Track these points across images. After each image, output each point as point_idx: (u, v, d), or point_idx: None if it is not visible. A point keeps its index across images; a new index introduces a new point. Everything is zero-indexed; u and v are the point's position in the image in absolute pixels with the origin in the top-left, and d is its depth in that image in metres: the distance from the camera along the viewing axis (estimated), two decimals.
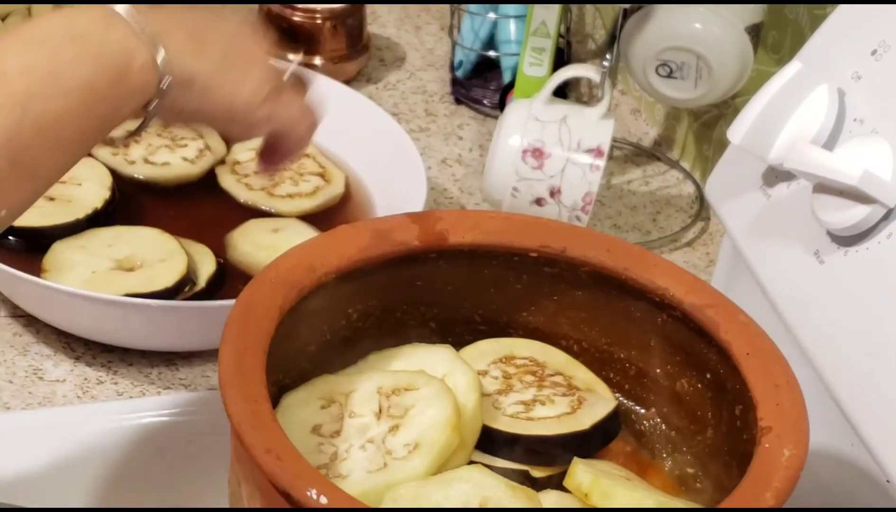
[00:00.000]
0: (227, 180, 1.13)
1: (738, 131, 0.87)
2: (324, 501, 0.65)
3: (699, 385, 0.81)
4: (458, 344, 0.84)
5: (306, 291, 0.77)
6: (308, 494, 0.65)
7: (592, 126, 1.09)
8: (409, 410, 0.76)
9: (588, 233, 0.83)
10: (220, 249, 1.05)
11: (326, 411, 0.77)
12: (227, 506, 0.75)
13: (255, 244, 1.05)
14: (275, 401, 0.77)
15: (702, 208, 1.21)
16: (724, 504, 0.69)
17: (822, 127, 0.84)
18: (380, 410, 0.77)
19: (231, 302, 0.82)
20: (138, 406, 0.95)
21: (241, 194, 1.12)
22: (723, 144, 1.18)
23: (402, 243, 0.81)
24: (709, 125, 1.23)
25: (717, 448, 0.80)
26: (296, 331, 0.78)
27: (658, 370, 0.83)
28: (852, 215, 0.80)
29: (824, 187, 0.82)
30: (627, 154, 1.29)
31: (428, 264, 0.82)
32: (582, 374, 0.83)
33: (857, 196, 0.80)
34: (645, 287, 0.81)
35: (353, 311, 0.82)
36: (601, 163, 1.08)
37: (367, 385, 0.78)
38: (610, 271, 0.82)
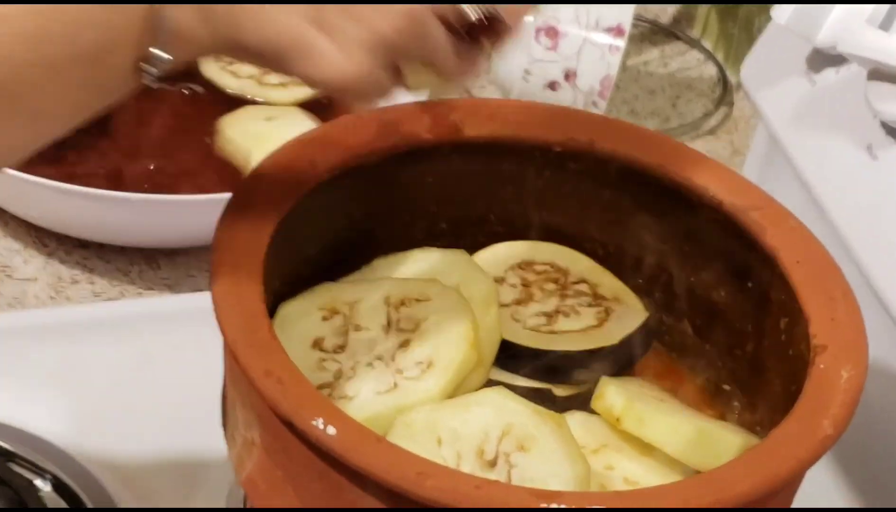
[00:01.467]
0: (210, 69, 1.04)
1: (783, 10, 0.78)
2: (332, 431, 0.58)
3: (739, 295, 0.73)
4: (472, 247, 0.76)
5: (305, 190, 0.69)
6: (314, 423, 0.58)
7: (611, 2, 1.00)
8: (420, 323, 0.69)
9: (618, 124, 0.75)
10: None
11: (329, 323, 0.69)
12: (220, 424, 0.68)
13: (244, 132, 0.95)
14: (270, 311, 0.69)
15: (725, 92, 1.13)
16: (777, 433, 0.61)
17: (877, 7, 0.76)
18: (388, 323, 0.69)
19: (218, 196, 0.74)
20: (117, 309, 0.87)
21: (229, 83, 1.03)
22: (750, 22, 1.10)
23: (412, 136, 0.73)
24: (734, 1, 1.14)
25: (757, 364, 0.72)
26: (293, 233, 0.70)
27: (693, 278, 0.75)
28: None
29: (881, 74, 0.74)
30: (644, 32, 1.20)
31: (440, 159, 0.74)
32: (608, 281, 0.75)
33: None
34: (681, 186, 0.73)
35: (357, 210, 0.74)
36: (622, 43, 0.99)
37: (373, 294, 0.70)
38: (642, 168, 0.74)
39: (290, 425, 0.59)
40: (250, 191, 0.67)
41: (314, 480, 0.60)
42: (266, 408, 0.60)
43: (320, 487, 0.60)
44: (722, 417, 0.72)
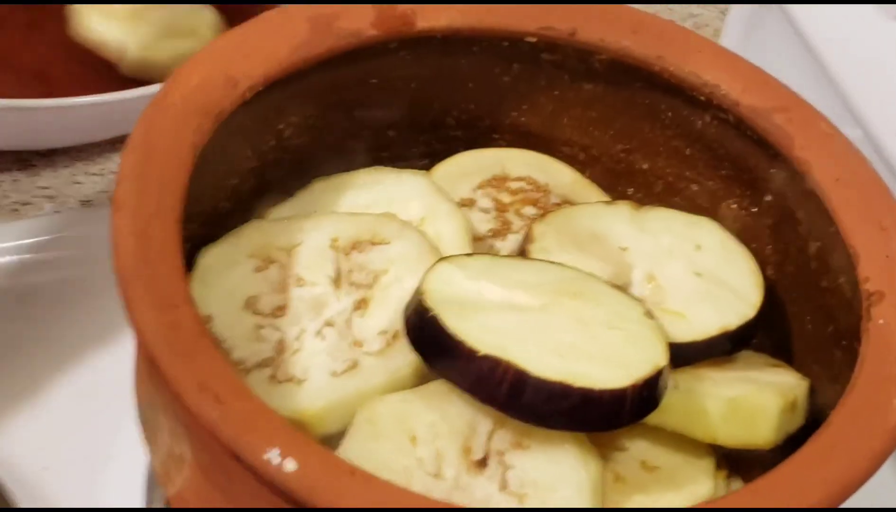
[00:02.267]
0: None
1: None
2: (290, 467, 0.44)
3: (754, 209, 0.61)
4: (428, 157, 0.63)
5: (225, 116, 0.54)
6: (267, 457, 0.45)
7: None
8: (379, 277, 0.55)
9: (606, 9, 0.60)
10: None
11: (263, 276, 0.56)
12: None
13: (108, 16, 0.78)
14: (186, 261, 0.55)
15: None
16: (838, 419, 0.49)
17: None
18: (337, 276, 0.56)
19: (109, 97, 0.59)
20: None
21: None
22: None
23: (353, 34, 0.58)
24: None
25: (775, 296, 0.60)
26: (209, 162, 0.55)
27: (695, 187, 0.62)
28: None
29: None
30: None
31: (386, 57, 0.59)
32: (596, 199, 0.62)
33: None
34: (684, 82, 0.59)
35: (286, 126, 0.60)
36: None
37: (315, 236, 0.57)
38: (636, 61, 0.60)
39: (235, 457, 0.45)
40: (156, 124, 0.53)
41: None
42: (201, 430, 0.47)
43: None
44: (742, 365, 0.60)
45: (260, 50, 0.56)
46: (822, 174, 0.56)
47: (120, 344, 0.55)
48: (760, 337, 0.59)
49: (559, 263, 0.55)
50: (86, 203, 0.74)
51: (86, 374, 0.64)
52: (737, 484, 0.55)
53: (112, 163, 0.76)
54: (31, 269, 0.69)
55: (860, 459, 0.48)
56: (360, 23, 0.58)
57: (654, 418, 0.53)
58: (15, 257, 0.69)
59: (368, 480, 0.45)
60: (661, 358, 0.51)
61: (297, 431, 0.46)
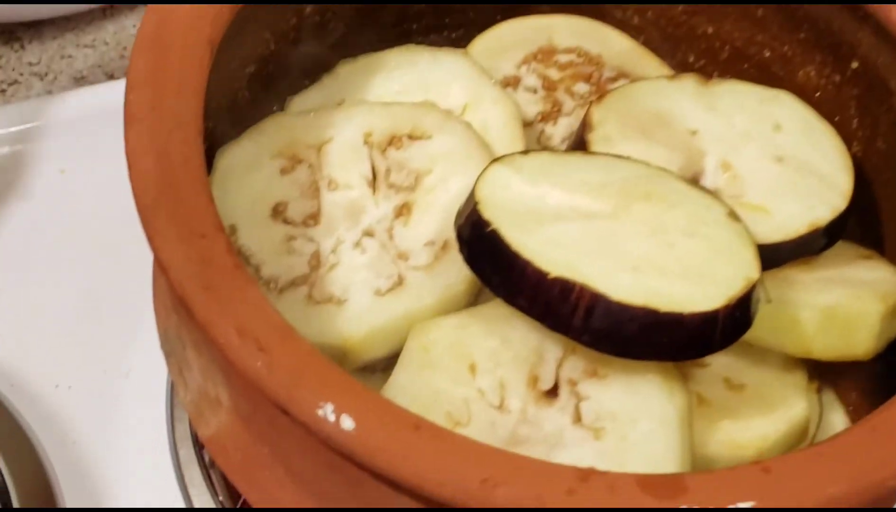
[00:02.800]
0: None
1: None
2: (348, 424, 0.39)
3: (837, 78, 0.54)
4: (463, 27, 0.56)
5: (242, 2, 0.47)
6: (321, 412, 0.39)
7: None
8: (422, 178, 0.49)
9: None
10: None
11: (290, 178, 0.50)
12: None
13: None
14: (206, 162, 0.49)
15: None
16: None
17: None
18: (374, 176, 0.49)
19: None
20: None
21: None
22: None
23: None
24: None
25: (862, 176, 0.54)
26: (225, 50, 0.49)
27: (768, 53, 0.56)
28: None
29: None
30: None
31: None
32: (656, 70, 0.55)
33: None
34: None
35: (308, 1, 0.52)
36: None
37: (346, 130, 0.50)
38: None
39: (284, 412, 0.40)
40: (168, 18, 0.46)
41: (321, 469, 0.42)
42: (244, 382, 0.41)
43: (330, 479, 0.42)
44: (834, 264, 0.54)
45: None
46: None
47: (133, 243, 0.48)
48: (856, 230, 0.53)
49: (625, 158, 0.49)
50: (79, 80, 0.67)
51: (95, 281, 0.58)
52: (829, 397, 0.50)
53: (105, 32, 0.68)
54: (26, 161, 0.62)
55: None
56: None
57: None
58: (7, 149, 0.62)
59: (435, 434, 0.39)
60: (752, 270, 0.45)
61: (353, 381, 0.40)
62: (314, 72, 0.53)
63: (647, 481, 0.39)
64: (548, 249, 0.44)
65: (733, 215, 0.47)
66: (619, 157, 0.49)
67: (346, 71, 0.53)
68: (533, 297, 0.44)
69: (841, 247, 0.52)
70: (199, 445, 0.55)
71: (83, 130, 0.61)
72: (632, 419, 0.44)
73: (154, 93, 0.44)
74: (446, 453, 0.39)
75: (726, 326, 0.44)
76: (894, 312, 0.48)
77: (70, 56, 0.68)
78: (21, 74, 0.67)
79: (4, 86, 0.67)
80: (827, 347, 0.48)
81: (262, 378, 0.39)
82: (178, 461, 0.55)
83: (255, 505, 0.46)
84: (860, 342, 0.48)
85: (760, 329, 0.47)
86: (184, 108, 0.44)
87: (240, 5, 0.47)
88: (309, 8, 0.53)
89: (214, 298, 0.41)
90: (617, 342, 0.43)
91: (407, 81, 0.52)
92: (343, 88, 0.53)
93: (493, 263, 0.45)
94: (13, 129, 0.62)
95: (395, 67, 0.53)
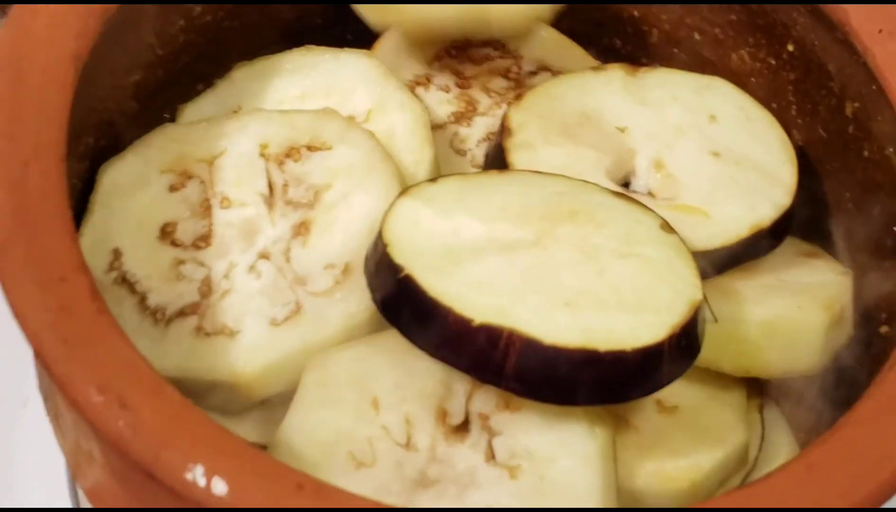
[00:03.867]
0: None
1: None
2: (220, 489, 0.35)
3: (772, 61, 0.50)
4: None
5: (114, 7, 0.43)
6: (189, 476, 0.35)
7: None
8: (321, 193, 0.45)
9: None
10: None
11: (180, 196, 0.45)
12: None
13: None
14: (87, 180, 0.45)
15: None
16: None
17: None
18: (271, 192, 0.45)
19: None
20: None
21: None
22: None
23: None
24: None
25: (805, 165, 0.50)
26: (104, 60, 0.45)
27: (698, 36, 0.51)
28: None
29: None
30: None
31: None
32: (579, 62, 0.51)
33: None
34: None
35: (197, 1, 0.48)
36: None
37: (240, 141, 0.46)
38: None
39: (150, 476, 0.36)
40: (24, 36, 0.41)
41: None
42: (108, 445, 0.37)
43: None
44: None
45: None
46: (862, 22, 0.46)
47: None
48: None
49: (544, 174, 0.45)
50: None
51: None
52: (773, 414, 0.46)
53: None
54: None
55: None
56: None
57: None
58: None
59: (320, 494, 0.36)
60: (694, 290, 0.41)
61: (230, 438, 0.36)
62: (207, 77, 0.49)
63: None
64: (469, 292, 0.40)
65: (666, 227, 0.43)
66: (538, 173, 0.45)
67: (242, 75, 0.49)
68: (458, 347, 0.39)
69: (783, 244, 0.48)
70: None
71: None
72: (550, 457, 0.40)
73: (9, 119, 0.40)
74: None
75: (673, 358, 0.40)
76: (840, 320, 0.44)
77: None
78: None
79: None
80: (768, 363, 0.44)
81: (126, 440, 0.36)
82: (76, 493, 0.52)
83: None
84: (804, 357, 0.44)
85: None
86: (43, 136, 0.40)
87: (110, 12, 0.43)
88: (199, 8, 0.48)
89: (73, 353, 0.37)
90: (554, 390, 0.39)
91: (307, 85, 0.48)
92: (239, 94, 0.49)
93: (409, 313, 0.40)
94: None
95: (295, 70, 0.49)
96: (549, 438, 0.41)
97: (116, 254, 0.44)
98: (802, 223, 0.49)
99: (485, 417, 0.41)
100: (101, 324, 0.37)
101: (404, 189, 0.43)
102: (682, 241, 0.42)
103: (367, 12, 0.49)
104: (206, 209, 0.45)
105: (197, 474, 0.35)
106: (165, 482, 0.35)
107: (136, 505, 0.40)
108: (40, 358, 0.37)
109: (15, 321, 0.37)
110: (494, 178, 0.44)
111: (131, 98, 0.48)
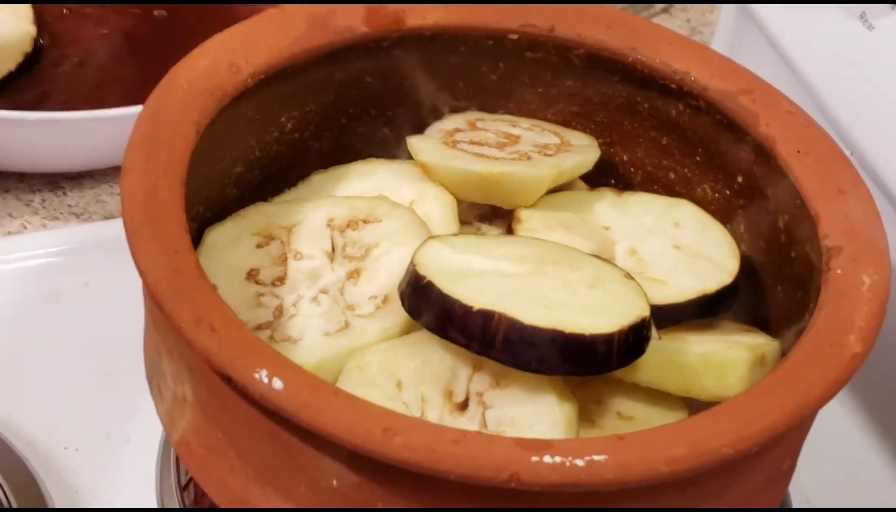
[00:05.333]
0: None
1: None
2: (278, 385, 0.48)
3: (727, 191, 0.64)
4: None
5: (228, 99, 0.59)
6: (256, 376, 0.48)
7: None
8: (371, 250, 0.59)
9: (582, 7, 0.65)
10: None
11: (264, 251, 0.60)
12: (144, 376, 0.59)
13: None
14: (195, 239, 0.60)
15: None
16: (797, 353, 0.53)
17: None
18: (333, 250, 0.60)
19: (125, 111, 0.65)
20: (20, 244, 0.76)
21: None
22: None
23: (347, 30, 0.63)
24: None
25: (751, 271, 0.64)
26: (216, 149, 0.60)
27: (672, 175, 0.66)
28: None
29: None
30: None
31: (379, 55, 0.64)
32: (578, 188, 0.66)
33: None
34: (657, 71, 0.64)
35: (288, 119, 0.64)
36: None
37: (313, 216, 0.61)
38: (611, 53, 0.64)
39: (228, 380, 0.49)
40: (164, 103, 0.57)
41: (260, 441, 0.51)
42: (198, 360, 0.51)
43: (268, 450, 0.51)
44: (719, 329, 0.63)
45: (261, 41, 0.61)
46: (785, 147, 0.60)
47: (136, 332, 0.60)
48: (739, 310, 0.63)
49: (539, 239, 0.59)
50: (109, 219, 0.79)
51: (105, 361, 0.69)
52: None
53: None
54: (57, 271, 0.74)
55: (815, 387, 0.51)
56: (353, 20, 0.63)
57: (630, 375, 0.57)
58: (43, 261, 0.74)
59: (349, 398, 0.49)
60: (643, 310, 0.54)
61: (284, 357, 0.50)
62: (293, 182, 0.64)
63: (521, 441, 0.48)
64: (473, 293, 0.54)
65: (629, 276, 0.57)
66: (536, 238, 0.59)
67: (319, 179, 0.64)
68: (461, 327, 0.53)
69: (731, 324, 0.62)
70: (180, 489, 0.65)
71: (108, 253, 0.73)
72: (527, 423, 0.53)
73: (147, 153, 0.55)
74: (356, 410, 0.48)
75: (621, 348, 0.53)
76: (762, 361, 0.57)
77: (104, 201, 0.80)
78: (61, 213, 0.79)
79: (46, 221, 0.79)
80: (703, 388, 0.57)
81: (212, 352, 0.49)
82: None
83: (214, 498, 0.55)
84: (732, 385, 0.57)
85: (648, 371, 0.57)
86: (170, 165, 0.55)
87: (224, 103, 0.59)
88: (290, 124, 0.64)
89: (181, 296, 0.51)
90: (530, 360, 0.53)
91: (367, 185, 0.63)
92: (315, 192, 0.64)
93: (427, 306, 0.54)
94: (51, 249, 0.74)
95: (358, 176, 0.64)
96: (528, 409, 0.54)
97: (213, 288, 0.58)
98: (745, 312, 0.63)
99: (480, 395, 0.54)
100: (200, 281, 0.52)
101: (432, 236, 0.58)
102: (640, 286, 0.56)
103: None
104: (283, 260, 0.60)
105: (262, 375, 0.48)
106: (239, 382, 0.49)
107: (215, 432, 0.53)
108: (156, 301, 0.51)
109: (140, 279, 0.52)
110: (502, 237, 0.59)
111: (234, 186, 0.63)
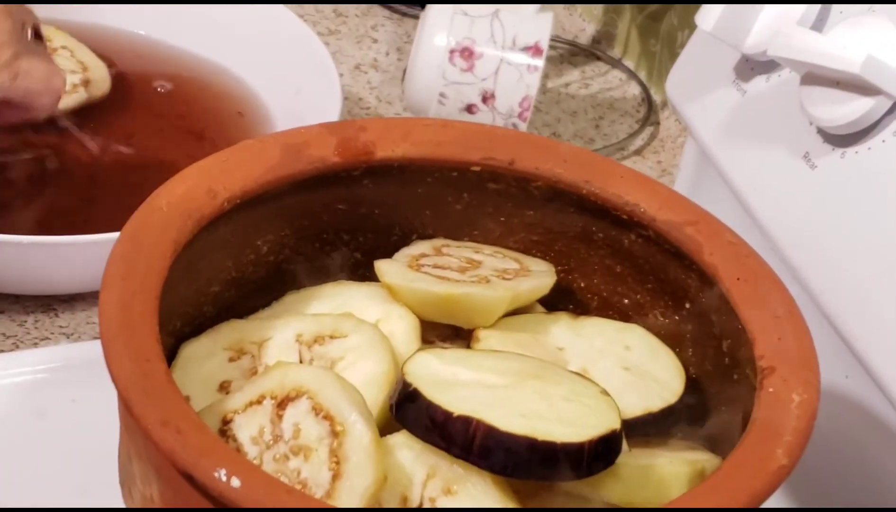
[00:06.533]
0: None
1: (707, 16, 0.74)
2: (236, 483, 0.52)
3: (676, 317, 0.68)
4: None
5: (205, 221, 0.63)
6: (216, 474, 0.52)
7: (528, 20, 0.95)
8: (336, 362, 0.63)
9: (539, 141, 0.70)
10: None
11: (236, 365, 0.64)
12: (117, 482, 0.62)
13: None
14: (172, 353, 0.64)
15: (650, 112, 1.08)
16: (727, 465, 0.56)
17: (808, 8, 0.72)
18: (300, 362, 0.64)
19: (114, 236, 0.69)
20: (12, 361, 0.80)
21: None
22: (672, 38, 1.06)
23: (319, 160, 0.67)
24: (655, 18, 1.10)
25: (699, 390, 0.67)
26: (194, 269, 0.65)
27: (626, 301, 0.70)
28: (851, 110, 0.68)
29: (815, 78, 0.69)
30: (563, 53, 1.15)
31: (350, 184, 0.69)
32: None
33: (856, 87, 0.68)
34: (609, 203, 0.68)
35: (263, 242, 0.68)
36: (540, 63, 0.95)
37: (283, 332, 0.65)
38: (567, 186, 0.69)
39: (190, 478, 0.53)
40: (143, 224, 0.62)
41: None
42: (164, 460, 0.54)
43: None
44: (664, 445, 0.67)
45: (238, 169, 0.65)
46: (727, 275, 0.64)
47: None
48: (688, 428, 0.66)
49: (522, 355, 0.63)
50: (98, 338, 0.82)
51: (89, 471, 0.72)
52: None
53: None
54: (45, 387, 0.78)
55: (742, 495, 0.55)
56: (326, 150, 0.67)
57: (579, 487, 0.60)
58: (30, 377, 0.77)
59: (301, 498, 0.52)
60: (615, 423, 0.58)
61: (244, 458, 0.53)
62: (266, 300, 0.68)
63: None
64: (455, 401, 0.58)
65: (605, 393, 0.60)
66: (520, 354, 0.63)
67: (292, 299, 0.68)
68: (442, 432, 0.57)
69: (680, 442, 0.65)
70: None
71: (94, 371, 0.76)
72: None
73: (126, 268, 0.59)
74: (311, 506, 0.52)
75: (591, 456, 0.57)
76: (702, 475, 0.61)
77: (95, 323, 0.84)
78: (52, 333, 0.84)
79: (37, 341, 0.83)
80: (645, 499, 0.60)
81: (176, 451, 0.53)
82: None
83: None
84: (673, 496, 0.60)
85: (595, 482, 0.60)
86: (147, 280, 0.59)
87: (202, 224, 0.63)
88: (264, 248, 0.68)
89: (150, 400, 0.55)
90: (506, 464, 0.56)
91: (336, 304, 0.67)
92: (287, 311, 0.68)
93: (412, 411, 0.58)
94: (39, 366, 0.78)
95: (328, 296, 0.68)
96: None
97: (187, 399, 0.62)
98: (693, 431, 0.66)
99: (432, 500, 0.58)
100: (169, 386, 0.55)
101: (422, 347, 0.62)
102: (615, 401, 0.60)
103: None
104: (253, 372, 0.63)
105: (222, 474, 0.52)
106: (199, 480, 0.52)
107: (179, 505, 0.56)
108: (126, 404, 0.55)
109: (113, 384, 0.56)
110: (489, 352, 0.64)
111: (210, 304, 0.67)
